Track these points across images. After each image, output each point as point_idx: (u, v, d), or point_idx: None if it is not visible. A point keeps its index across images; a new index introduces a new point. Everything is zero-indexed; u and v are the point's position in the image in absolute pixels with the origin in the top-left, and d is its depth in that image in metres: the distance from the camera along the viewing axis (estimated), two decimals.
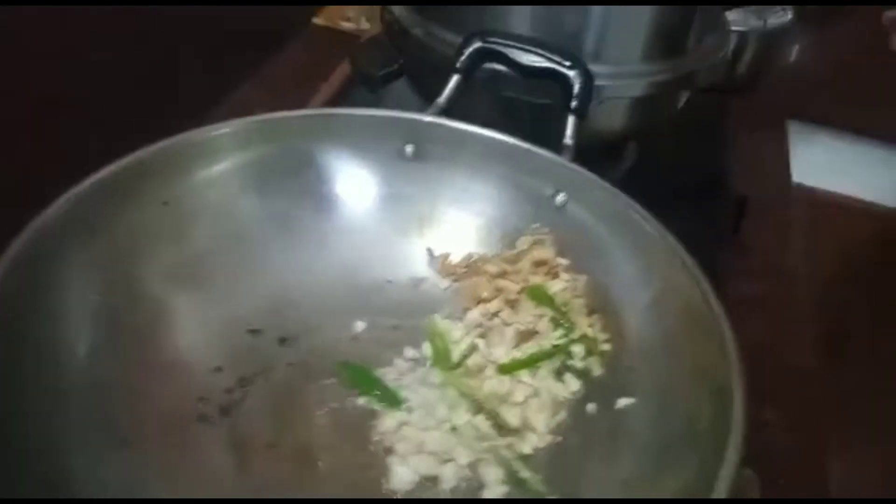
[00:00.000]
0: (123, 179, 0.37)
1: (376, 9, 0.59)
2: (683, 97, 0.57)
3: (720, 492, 0.26)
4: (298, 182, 0.43)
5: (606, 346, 0.40)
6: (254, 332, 0.41)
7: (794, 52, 1.03)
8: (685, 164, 0.67)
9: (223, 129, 0.40)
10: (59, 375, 0.33)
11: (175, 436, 0.35)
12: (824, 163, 0.91)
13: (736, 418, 0.28)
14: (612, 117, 0.54)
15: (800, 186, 0.86)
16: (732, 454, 0.27)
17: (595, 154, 0.57)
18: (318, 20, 0.92)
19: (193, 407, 0.37)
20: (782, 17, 0.86)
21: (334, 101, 0.69)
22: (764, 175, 0.78)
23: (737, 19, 0.85)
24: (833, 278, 0.97)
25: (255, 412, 0.37)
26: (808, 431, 0.52)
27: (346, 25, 0.92)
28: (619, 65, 0.50)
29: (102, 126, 0.58)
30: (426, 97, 0.55)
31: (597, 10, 0.47)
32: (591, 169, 0.59)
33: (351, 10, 0.94)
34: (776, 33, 0.86)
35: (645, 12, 0.48)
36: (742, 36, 0.84)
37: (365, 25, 0.91)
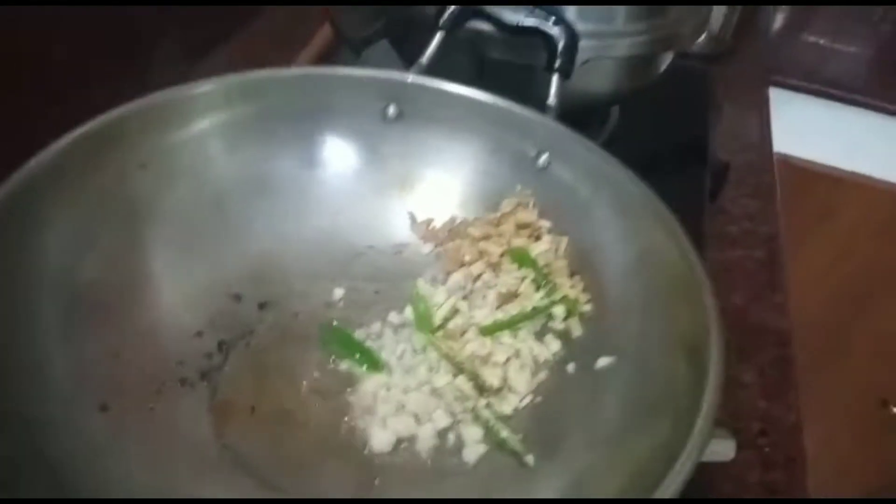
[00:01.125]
0: (100, 139, 0.36)
1: None
2: (666, 60, 0.57)
3: (693, 449, 0.26)
4: (279, 143, 0.42)
5: (587, 308, 0.40)
6: (234, 296, 0.40)
7: (776, 18, 1.04)
8: (666, 131, 0.67)
9: (202, 88, 0.39)
10: (35, 340, 0.32)
11: (154, 400, 0.35)
12: (805, 130, 0.91)
13: (712, 377, 0.28)
14: (595, 79, 0.53)
15: (781, 154, 0.86)
16: (707, 412, 0.28)
17: (578, 118, 0.57)
18: None
19: (173, 371, 0.36)
20: None
21: (316, 64, 0.68)
22: (745, 142, 0.78)
23: None
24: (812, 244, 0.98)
25: (236, 376, 0.37)
26: (784, 393, 0.53)
27: None
28: (602, 23, 0.49)
29: (77, 91, 0.57)
30: (409, 59, 0.54)
31: None
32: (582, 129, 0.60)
33: None
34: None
35: None
36: (726, 6, 0.84)
37: None
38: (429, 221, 0.45)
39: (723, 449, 0.42)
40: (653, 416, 0.31)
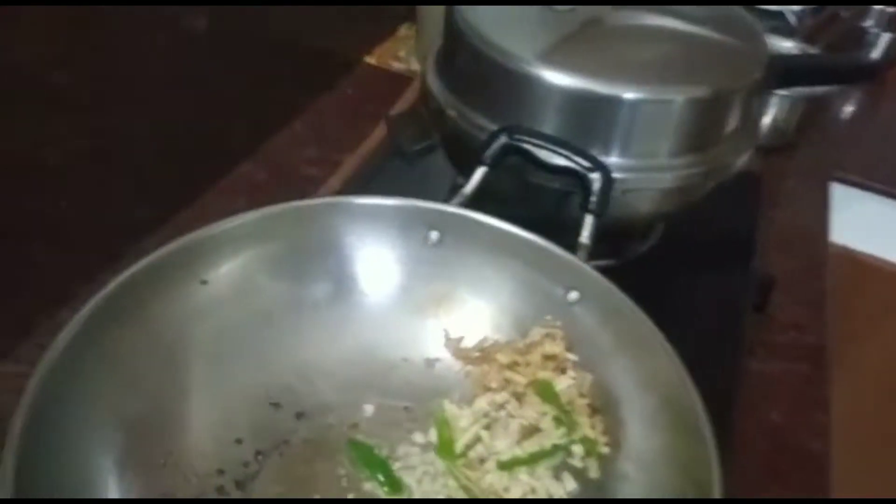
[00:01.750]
0: (167, 263, 0.41)
1: (424, 48, 0.59)
2: (712, 185, 0.58)
3: None
4: (322, 265, 0.46)
5: (605, 450, 0.41)
6: (274, 405, 0.44)
7: (840, 112, 1.02)
8: (713, 237, 0.67)
9: (249, 218, 0.43)
10: (98, 443, 0.36)
11: None
12: (866, 225, 0.89)
13: None
14: (637, 206, 0.54)
15: (840, 247, 0.84)
16: None
17: (621, 232, 0.59)
18: (369, 59, 0.95)
19: (213, 479, 0.40)
20: None
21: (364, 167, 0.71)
22: (800, 242, 0.77)
23: None
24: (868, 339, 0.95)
25: (267, 488, 0.40)
26: None
27: (397, 66, 0.94)
28: (645, 158, 0.51)
29: (169, 163, 0.62)
30: (459, 169, 0.57)
31: (625, 108, 0.48)
32: (616, 245, 0.61)
33: (402, 50, 0.97)
34: (822, 95, 0.85)
35: (673, 111, 0.49)
36: (790, 100, 0.84)
37: (415, 66, 0.93)
38: (460, 339, 0.47)
39: None
40: None
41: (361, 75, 0.92)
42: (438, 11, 0.57)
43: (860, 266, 0.89)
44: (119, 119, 0.56)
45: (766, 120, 0.86)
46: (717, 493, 0.33)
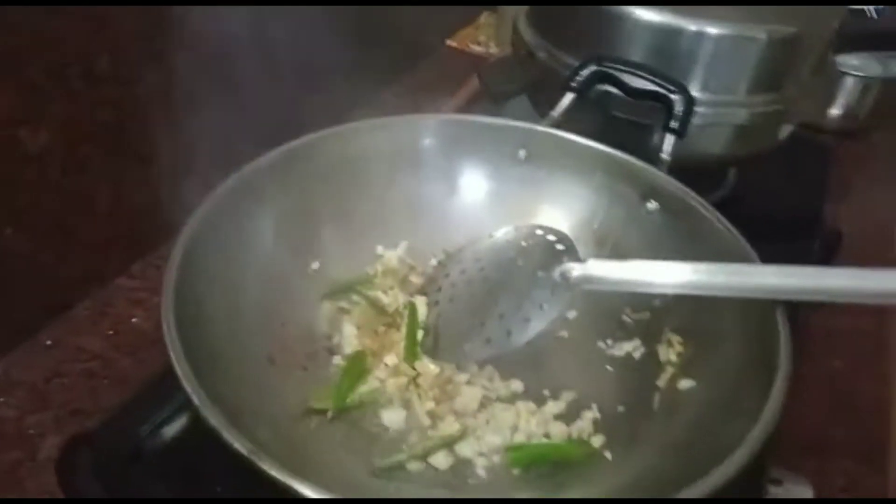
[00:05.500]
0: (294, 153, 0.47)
1: (506, 34, 0.67)
2: (785, 130, 0.60)
3: (753, 441, 0.31)
4: (430, 173, 0.51)
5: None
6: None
7: None
8: (784, 198, 0.69)
9: (380, 121, 0.50)
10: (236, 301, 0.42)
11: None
12: None
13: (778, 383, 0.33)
14: (712, 142, 0.58)
15: None
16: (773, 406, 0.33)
17: (693, 176, 0.62)
18: (451, 42, 1.02)
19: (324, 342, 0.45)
20: None
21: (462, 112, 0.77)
22: (871, 216, 0.78)
23: (858, 65, 0.86)
24: None
25: None
26: (874, 457, 0.53)
27: (476, 49, 1.01)
28: (723, 94, 0.54)
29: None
30: (542, 113, 0.62)
31: (707, 44, 0.52)
32: (697, 187, 0.64)
33: (482, 34, 1.03)
34: None
35: (753, 49, 0.53)
36: (863, 82, 0.85)
37: (493, 49, 1.00)
38: None
39: (799, 492, 0.45)
40: (723, 423, 0.35)
41: (443, 57, 0.99)
42: None
43: None
44: None
45: (839, 103, 0.87)
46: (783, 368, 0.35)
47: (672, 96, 0.49)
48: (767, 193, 0.69)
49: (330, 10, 0.70)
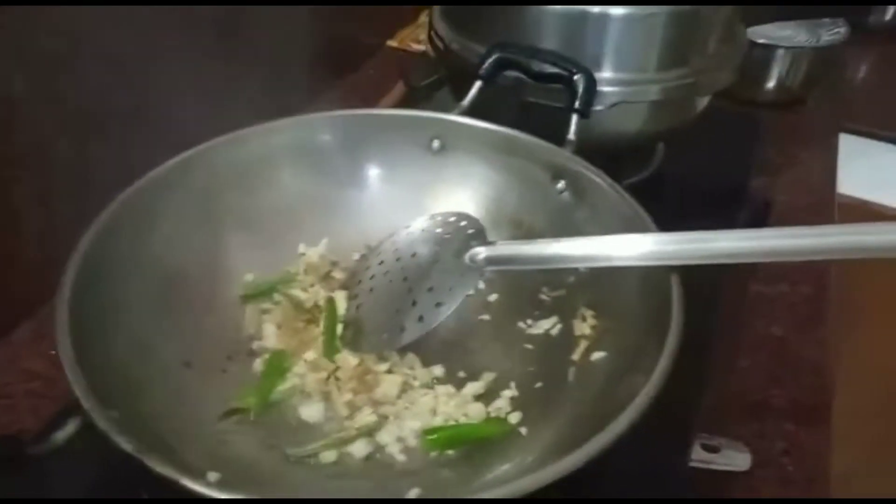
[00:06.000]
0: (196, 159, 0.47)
1: None
2: (700, 103, 0.62)
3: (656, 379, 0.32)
4: (340, 167, 0.52)
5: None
6: None
7: (846, 68, 1.04)
8: (716, 172, 0.71)
9: (286, 122, 0.50)
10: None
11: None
12: (874, 176, 0.91)
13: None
14: (630, 119, 0.59)
15: (848, 197, 0.86)
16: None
17: (618, 154, 0.63)
18: (392, 42, 1.03)
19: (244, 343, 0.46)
20: (835, 33, 0.88)
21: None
22: (808, 186, 0.79)
23: (789, 35, 0.88)
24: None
25: None
26: (815, 420, 0.54)
27: (416, 47, 1.01)
28: (634, 72, 0.55)
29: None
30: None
31: (612, 25, 0.53)
32: (619, 168, 0.65)
33: (423, 34, 1.04)
34: (828, 49, 0.88)
35: (657, 27, 0.54)
36: (795, 52, 0.87)
37: None
38: None
39: (737, 460, 0.46)
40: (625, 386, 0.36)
41: (384, 57, 1.00)
42: None
43: (869, 214, 0.91)
44: None
45: (772, 76, 0.89)
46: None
47: (574, 77, 0.50)
48: (696, 168, 0.70)
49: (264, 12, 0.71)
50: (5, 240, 0.54)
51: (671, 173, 0.70)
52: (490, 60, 0.53)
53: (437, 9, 0.63)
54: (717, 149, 0.73)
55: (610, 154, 0.62)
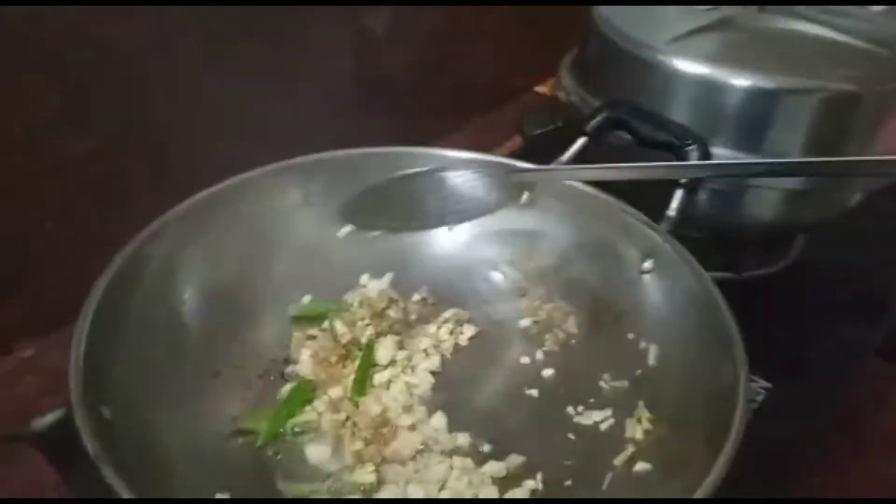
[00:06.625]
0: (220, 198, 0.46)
1: None
2: (854, 198, 0.53)
3: None
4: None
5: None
6: None
7: None
8: (862, 276, 0.60)
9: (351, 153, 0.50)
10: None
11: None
12: None
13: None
14: (764, 207, 0.52)
15: None
16: None
17: (742, 240, 0.56)
18: (540, 88, 1.00)
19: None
20: None
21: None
22: None
23: None
24: None
25: None
26: None
27: (563, 95, 0.98)
28: (773, 155, 0.48)
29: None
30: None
31: (758, 103, 0.46)
32: (754, 255, 0.57)
33: None
34: None
35: (810, 105, 0.47)
36: None
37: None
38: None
39: None
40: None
41: (526, 101, 0.97)
42: None
43: None
44: None
45: None
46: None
47: (686, 148, 0.45)
48: (839, 269, 0.60)
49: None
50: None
51: (808, 272, 0.60)
52: (598, 118, 0.48)
53: (565, 63, 0.60)
54: (870, 248, 0.61)
55: (733, 239, 0.55)
